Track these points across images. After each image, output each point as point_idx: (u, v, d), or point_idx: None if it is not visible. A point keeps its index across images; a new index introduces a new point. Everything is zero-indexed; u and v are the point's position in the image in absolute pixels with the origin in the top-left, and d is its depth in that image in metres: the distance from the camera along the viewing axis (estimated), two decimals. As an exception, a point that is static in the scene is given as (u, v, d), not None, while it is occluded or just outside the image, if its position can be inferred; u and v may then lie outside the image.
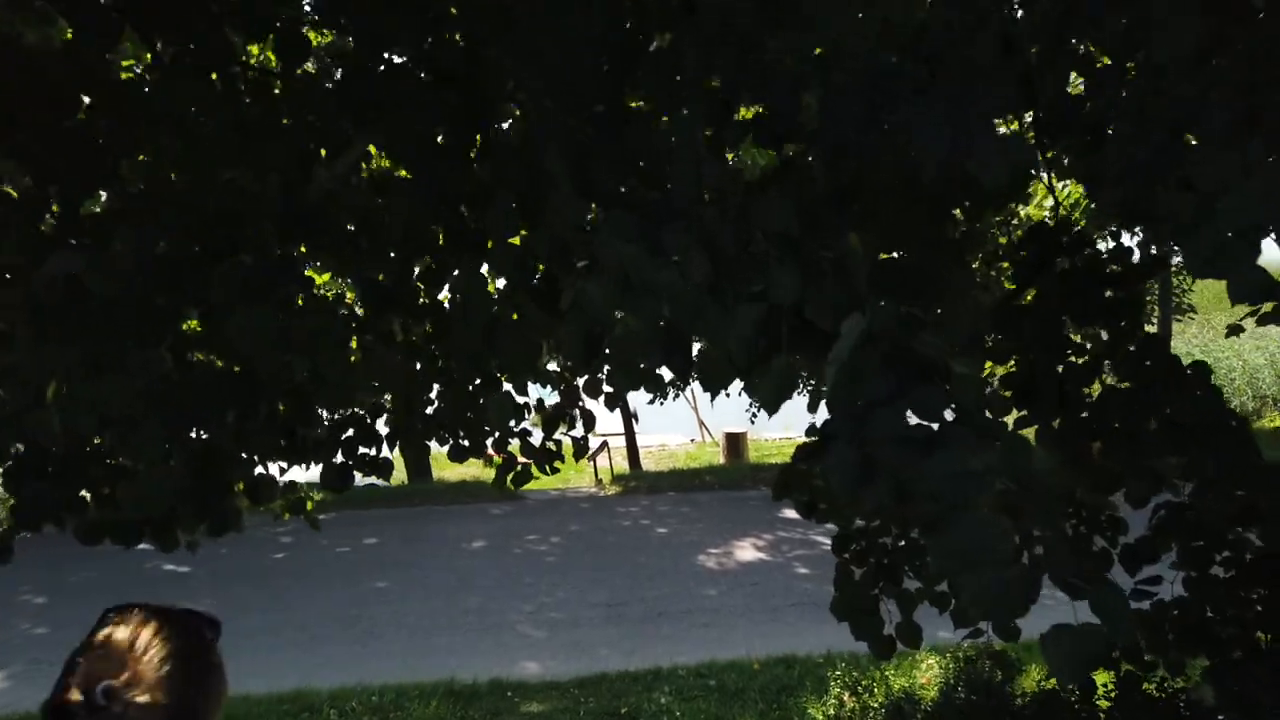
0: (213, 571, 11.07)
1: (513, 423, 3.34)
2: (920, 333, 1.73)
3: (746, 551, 11.56)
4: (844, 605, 3.49)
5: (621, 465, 18.87)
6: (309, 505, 3.87)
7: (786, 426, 26.98)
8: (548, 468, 3.48)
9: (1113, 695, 3.63)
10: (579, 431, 3.59)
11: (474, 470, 20.93)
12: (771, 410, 1.81)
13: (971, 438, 1.57)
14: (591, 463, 21.20)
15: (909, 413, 1.72)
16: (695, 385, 23.53)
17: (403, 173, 2.47)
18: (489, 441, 3.40)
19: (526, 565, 11.21)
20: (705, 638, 9.06)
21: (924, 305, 1.76)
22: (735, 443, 22.52)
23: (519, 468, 3.51)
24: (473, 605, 9.94)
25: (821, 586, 10.71)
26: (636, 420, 20.76)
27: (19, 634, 9.23)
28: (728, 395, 17.74)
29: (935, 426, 1.68)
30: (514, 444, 3.49)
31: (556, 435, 3.48)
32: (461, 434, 3.26)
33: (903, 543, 3.50)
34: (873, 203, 1.96)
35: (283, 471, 3.72)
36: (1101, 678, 3.91)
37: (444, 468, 18.58)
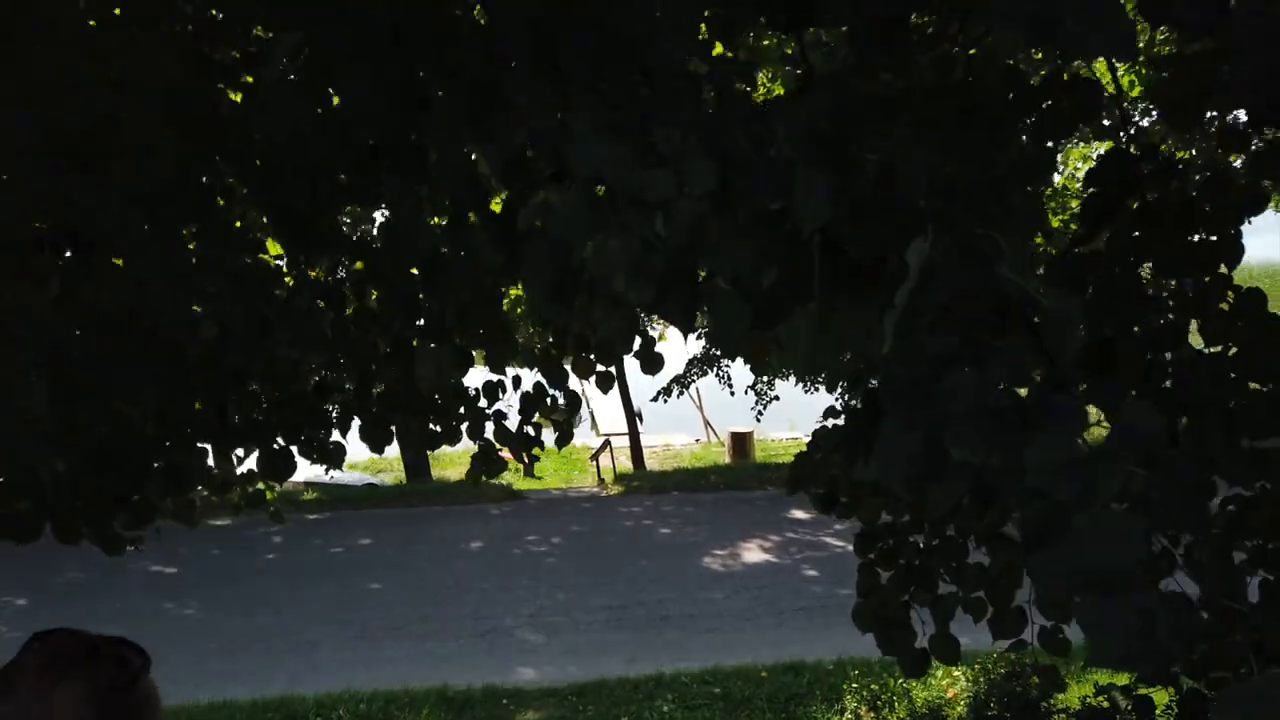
0: (200, 572, 10.68)
1: (484, 403, 2.92)
2: (997, 265, 1.30)
3: (753, 553, 11.12)
4: (869, 614, 3.06)
5: (625, 465, 18.44)
6: (269, 495, 3.45)
7: (792, 426, 26.49)
8: (525, 457, 3.06)
9: (1175, 716, 3.20)
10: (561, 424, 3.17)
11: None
12: (804, 373, 1.37)
13: (1081, 410, 1.14)
14: (594, 463, 20.80)
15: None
16: (700, 383, 23.11)
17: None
18: (464, 426, 2.99)
19: (525, 567, 10.79)
20: (710, 643, 8.62)
21: (995, 230, 1.33)
22: (741, 442, 22.08)
23: (495, 457, 3.08)
24: (468, 609, 9.52)
25: (831, 589, 10.28)
26: (640, 420, 20.37)
27: (-5, 638, 8.87)
28: (732, 394, 17.31)
29: (1023, 393, 1.25)
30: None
31: (537, 420, 3.05)
32: (433, 418, 2.83)
33: (937, 541, 3.06)
34: (926, 111, 1.54)
35: (240, 461, 3.31)
36: (1161, 697, 3.48)
37: (445, 467, 18.18)
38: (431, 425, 2.94)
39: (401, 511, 13.10)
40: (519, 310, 8.50)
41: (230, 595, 9.93)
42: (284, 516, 4.38)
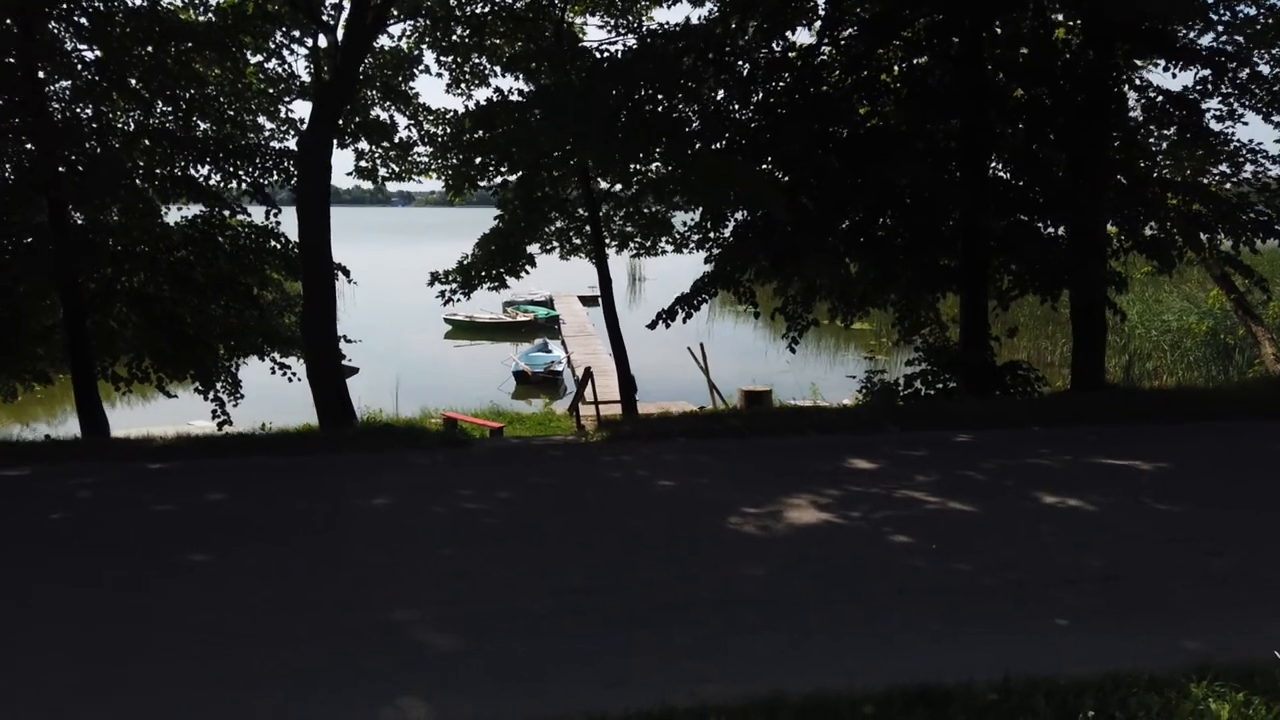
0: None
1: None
2: None
3: (804, 511, 7.23)
4: None
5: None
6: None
7: (815, 391, 22.79)
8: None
9: None
10: None
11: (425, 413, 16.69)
12: None
13: None
14: (573, 414, 16.97)
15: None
16: (703, 342, 19.36)
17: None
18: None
19: (448, 531, 6.90)
20: (755, 648, 4.77)
21: None
22: (757, 403, 18.31)
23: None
24: (334, 593, 5.63)
25: (943, 563, 6.39)
26: (635, 390, 16.71)
27: None
28: (757, 315, 13.39)
29: None
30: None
31: None
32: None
33: None
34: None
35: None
36: None
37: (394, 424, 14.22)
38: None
39: (290, 461, 9.15)
40: None
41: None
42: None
